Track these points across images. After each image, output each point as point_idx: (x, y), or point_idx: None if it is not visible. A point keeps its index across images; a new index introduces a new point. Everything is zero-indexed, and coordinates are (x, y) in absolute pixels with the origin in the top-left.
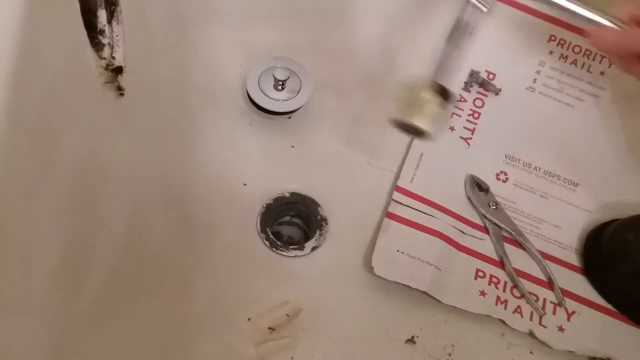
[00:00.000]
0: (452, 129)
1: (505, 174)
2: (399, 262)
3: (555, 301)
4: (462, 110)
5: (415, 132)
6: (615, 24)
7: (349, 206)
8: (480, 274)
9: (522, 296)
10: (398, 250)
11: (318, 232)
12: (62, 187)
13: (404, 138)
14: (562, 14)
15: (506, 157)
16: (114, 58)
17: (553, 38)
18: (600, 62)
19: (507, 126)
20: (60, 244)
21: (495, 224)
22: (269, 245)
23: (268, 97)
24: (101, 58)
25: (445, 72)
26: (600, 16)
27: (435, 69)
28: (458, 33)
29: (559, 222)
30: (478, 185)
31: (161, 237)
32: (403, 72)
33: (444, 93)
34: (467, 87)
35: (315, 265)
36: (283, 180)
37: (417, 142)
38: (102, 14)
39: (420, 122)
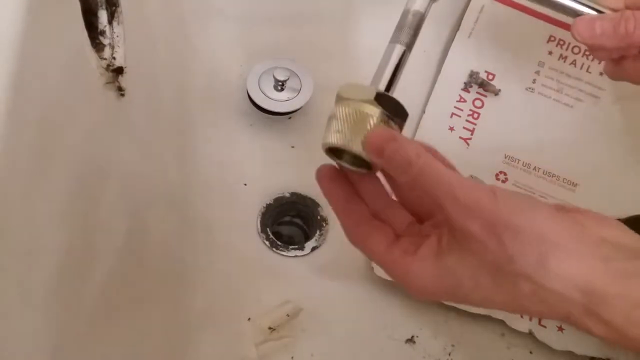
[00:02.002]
0: (451, 129)
1: (505, 174)
2: None
3: None
4: (462, 110)
5: (355, 162)
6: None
7: None
8: None
9: None
10: None
11: (318, 232)
12: (63, 187)
13: None
14: (560, 14)
15: (506, 158)
16: (114, 58)
17: (552, 38)
18: (599, 63)
19: (507, 127)
20: (61, 244)
21: None
22: (269, 245)
23: (268, 97)
24: (102, 58)
25: (395, 80)
26: (587, 6)
27: (379, 75)
28: (406, 26)
29: None
30: None
31: (161, 237)
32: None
33: (392, 107)
34: (466, 87)
35: (315, 265)
36: (283, 180)
37: None
38: (102, 15)
39: (358, 148)
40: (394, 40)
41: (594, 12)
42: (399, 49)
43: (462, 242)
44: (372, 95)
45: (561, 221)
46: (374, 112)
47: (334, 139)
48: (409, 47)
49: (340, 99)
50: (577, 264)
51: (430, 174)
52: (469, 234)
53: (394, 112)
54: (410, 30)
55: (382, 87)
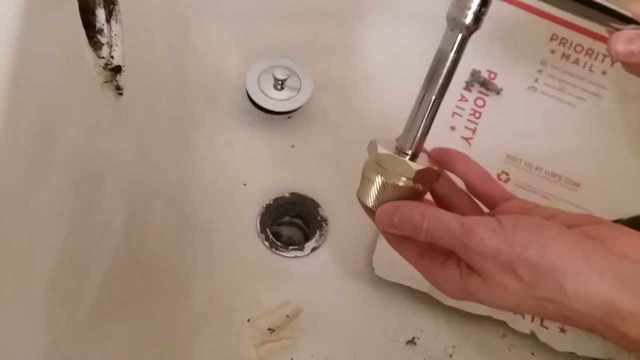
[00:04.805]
0: (453, 128)
1: (507, 174)
2: (400, 263)
3: None
4: (464, 110)
5: None
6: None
7: (349, 206)
8: None
9: None
10: None
11: (318, 232)
12: (61, 187)
13: None
14: (564, 13)
15: (507, 157)
16: (112, 57)
17: (555, 37)
18: (602, 62)
19: (509, 126)
20: (59, 244)
21: None
22: (268, 245)
23: (268, 96)
24: (100, 57)
25: (423, 136)
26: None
27: (412, 131)
28: (442, 76)
29: None
30: None
31: (160, 237)
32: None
33: (426, 177)
34: (468, 86)
35: (315, 266)
36: (283, 181)
37: None
38: (100, 13)
39: None
40: (428, 90)
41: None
42: (433, 102)
43: (481, 274)
44: (412, 175)
45: (573, 246)
46: (410, 185)
47: (373, 203)
48: (442, 95)
49: (378, 166)
50: (595, 285)
51: (438, 230)
52: (485, 272)
53: (427, 180)
54: (445, 81)
55: (412, 145)
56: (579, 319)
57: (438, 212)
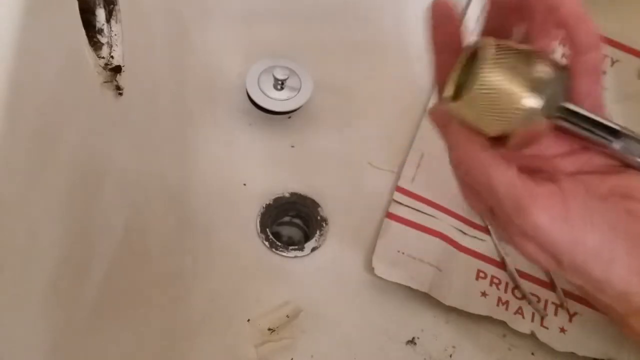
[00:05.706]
0: None
1: None
2: (400, 263)
3: (557, 302)
4: None
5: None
6: None
7: (349, 206)
8: (482, 274)
9: (524, 297)
10: (399, 251)
11: (318, 232)
12: (61, 187)
13: (405, 137)
14: None
15: None
16: (112, 57)
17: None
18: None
19: None
20: (59, 244)
21: None
22: (268, 245)
23: (268, 96)
24: (100, 57)
25: None
26: None
27: None
28: None
29: None
30: None
31: (160, 237)
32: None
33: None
34: None
35: (315, 266)
36: (283, 181)
37: (417, 142)
38: (100, 13)
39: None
40: None
41: None
42: None
43: (517, 246)
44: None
45: (638, 263)
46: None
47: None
48: None
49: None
50: None
51: (481, 184)
52: (524, 249)
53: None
54: None
55: None
56: (602, 305)
57: (488, 160)
